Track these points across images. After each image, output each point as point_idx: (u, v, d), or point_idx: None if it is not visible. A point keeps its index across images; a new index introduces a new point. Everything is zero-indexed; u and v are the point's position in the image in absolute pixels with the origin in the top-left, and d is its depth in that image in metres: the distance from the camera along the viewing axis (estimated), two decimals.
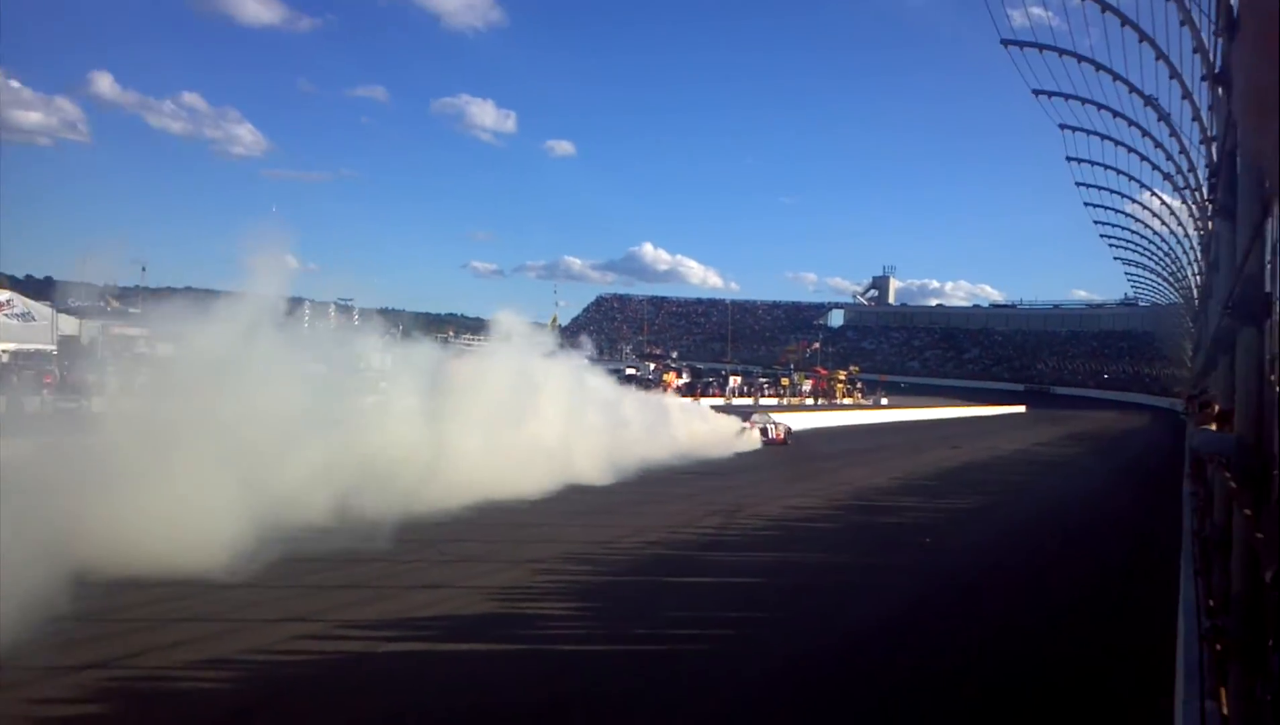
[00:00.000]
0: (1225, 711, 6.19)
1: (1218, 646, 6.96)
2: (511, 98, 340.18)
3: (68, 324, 57.21)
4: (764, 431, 41.90)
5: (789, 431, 43.54)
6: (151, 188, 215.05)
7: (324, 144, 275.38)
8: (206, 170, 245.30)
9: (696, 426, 38.77)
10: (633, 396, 38.77)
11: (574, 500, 22.96)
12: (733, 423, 41.95)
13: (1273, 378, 5.32)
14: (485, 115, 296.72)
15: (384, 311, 25.29)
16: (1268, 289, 5.68)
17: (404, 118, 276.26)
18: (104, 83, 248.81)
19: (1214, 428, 8.82)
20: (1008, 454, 44.69)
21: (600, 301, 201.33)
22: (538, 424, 25.35)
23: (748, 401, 69.05)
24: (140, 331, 51.22)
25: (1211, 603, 8.52)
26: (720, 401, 62.33)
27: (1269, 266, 5.98)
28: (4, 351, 43.62)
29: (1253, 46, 0.80)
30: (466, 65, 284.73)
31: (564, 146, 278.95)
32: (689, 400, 49.90)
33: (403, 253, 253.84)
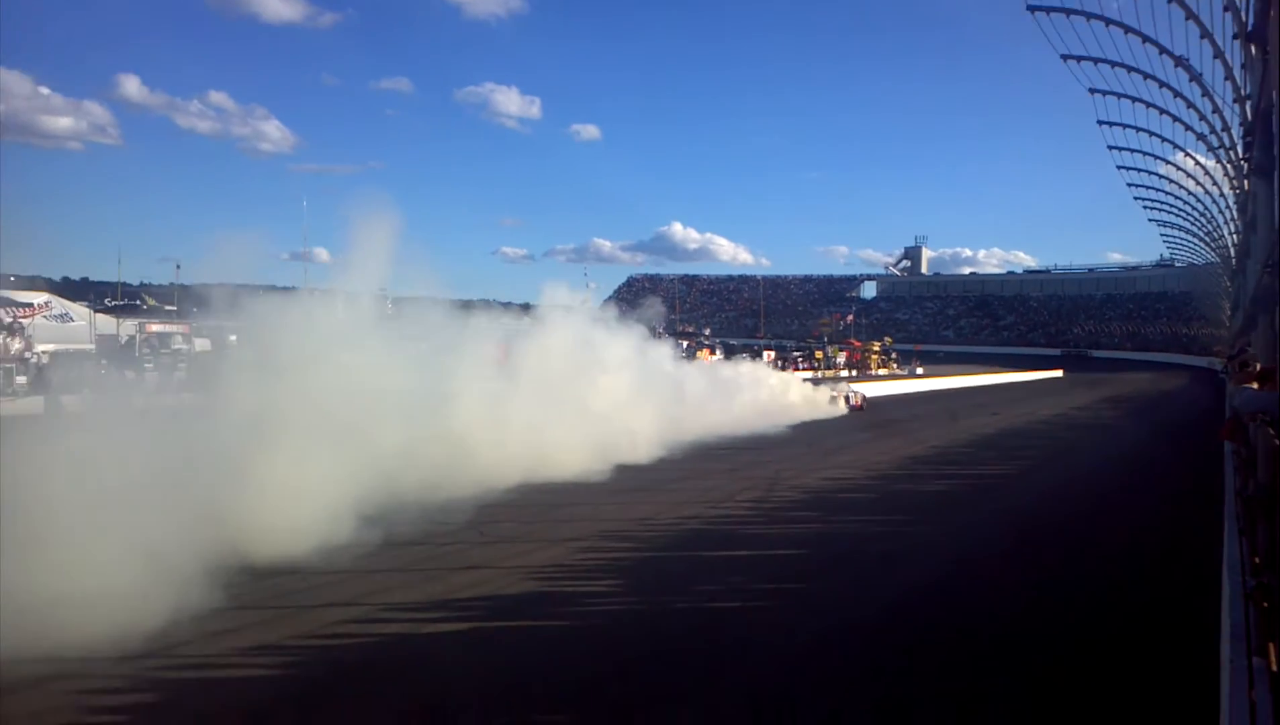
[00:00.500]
0: (1274, 668, 6.14)
1: (1264, 604, 6.90)
2: (535, 84, 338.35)
3: (105, 323, 57.74)
4: (847, 399, 47.49)
5: (865, 398, 49.08)
6: (183, 187, 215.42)
7: (350, 137, 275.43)
8: (236, 167, 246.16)
9: (759, 397, 40.74)
10: (701, 368, 44.52)
11: (619, 478, 22.94)
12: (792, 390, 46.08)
13: None
14: (510, 102, 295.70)
15: (417, 299, 25.24)
16: None
17: (429, 108, 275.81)
18: (131, 85, 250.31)
19: (1255, 386, 8.74)
20: (1046, 419, 44.43)
21: (631, 282, 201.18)
22: (588, 402, 25.37)
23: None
24: (178, 327, 51.90)
25: (1257, 560, 8.44)
26: None
27: None
28: (45, 352, 44.00)
29: None
30: (489, 53, 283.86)
31: (589, 130, 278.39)
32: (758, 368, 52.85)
33: (433, 241, 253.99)
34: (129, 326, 55.30)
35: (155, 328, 54.04)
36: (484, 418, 21.30)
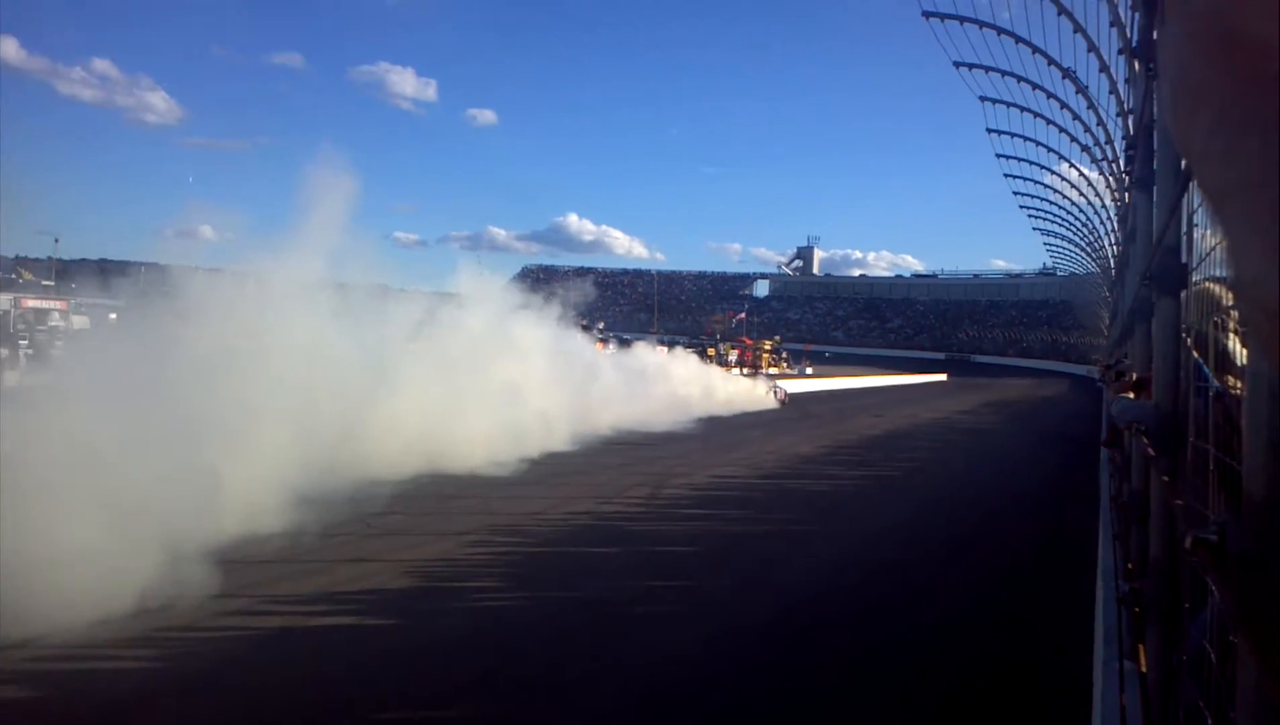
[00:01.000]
0: (1144, 670, 6.35)
1: (1135, 609, 7.13)
2: (432, 66, 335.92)
3: None
4: (775, 393, 51.03)
5: (787, 394, 52.75)
6: (63, 157, 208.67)
7: (241, 112, 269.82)
8: (120, 138, 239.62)
9: (661, 391, 39.93)
10: (619, 359, 43.45)
11: (518, 471, 22.59)
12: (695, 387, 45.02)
13: (1189, 342, 5.42)
14: (405, 83, 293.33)
15: (333, 283, 24.50)
16: (1184, 260, 5.79)
17: (322, 85, 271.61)
18: (9, 48, 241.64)
19: (1131, 395, 9.01)
20: (929, 422, 45.33)
21: (526, 272, 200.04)
22: (497, 392, 25.14)
23: None
24: (54, 304, 50.20)
25: (1130, 566, 8.73)
26: None
27: (1185, 238, 6.10)
28: None
29: (1185, 37, 0.78)
30: (386, 32, 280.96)
31: (486, 116, 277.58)
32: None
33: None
34: (3, 301, 53.32)
35: (31, 303, 52.25)
36: (392, 406, 20.89)
